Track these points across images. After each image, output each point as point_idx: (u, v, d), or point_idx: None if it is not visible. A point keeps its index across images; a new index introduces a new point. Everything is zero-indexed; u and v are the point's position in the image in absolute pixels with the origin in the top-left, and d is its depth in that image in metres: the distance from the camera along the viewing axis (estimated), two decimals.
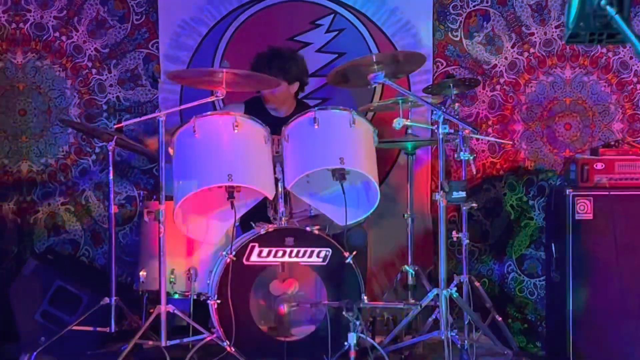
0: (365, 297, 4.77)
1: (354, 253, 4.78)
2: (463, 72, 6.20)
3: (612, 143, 5.85)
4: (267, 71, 5.38)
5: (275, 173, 4.85)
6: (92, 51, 6.07)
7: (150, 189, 5.99)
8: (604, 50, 6.27)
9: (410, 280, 5.48)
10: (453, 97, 5.39)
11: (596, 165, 5.43)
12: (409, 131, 5.39)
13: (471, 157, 4.97)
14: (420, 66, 5.35)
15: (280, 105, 5.63)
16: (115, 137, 5.11)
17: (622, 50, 6.27)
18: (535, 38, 6.24)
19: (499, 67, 6.24)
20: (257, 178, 4.80)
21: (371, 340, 4.78)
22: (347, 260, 4.76)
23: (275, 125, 4.98)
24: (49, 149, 6.08)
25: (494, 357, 5.14)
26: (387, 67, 5.04)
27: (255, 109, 5.56)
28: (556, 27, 6.23)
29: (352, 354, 4.50)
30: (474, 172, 5.98)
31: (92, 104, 6.09)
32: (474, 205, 5.33)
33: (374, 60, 5.00)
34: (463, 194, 4.87)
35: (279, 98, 5.59)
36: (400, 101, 5.24)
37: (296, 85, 5.63)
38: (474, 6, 6.20)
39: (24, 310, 5.40)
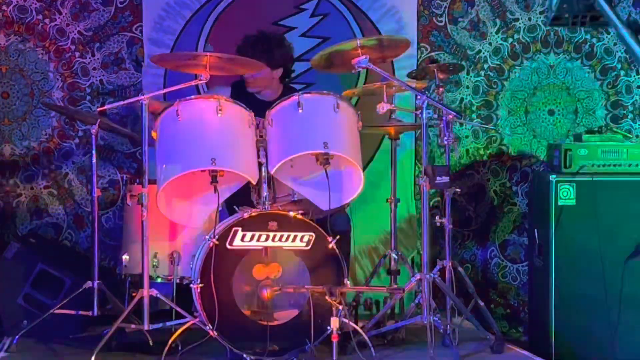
0: (348, 282, 4.77)
1: (337, 238, 4.78)
2: (447, 57, 6.20)
3: (596, 129, 5.87)
4: (250, 53, 5.37)
5: (258, 157, 4.84)
6: (75, 34, 6.05)
7: (133, 172, 5.98)
8: (588, 36, 6.28)
9: (393, 265, 5.49)
10: (437, 83, 5.39)
11: (579, 152, 5.44)
12: (393, 116, 5.39)
13: (455, 143, 4.98)
14: (405, 51, 5.35)
15: (263, 89, 5.62)
16: (99, 120, 5.09)
17: (606, 37, 6.29)
18: (519, 24, 6.25)
19: (484, 53, 6.25)
20: (240, 162, 4.79)
21: (354, 325, 4.79)
22: (330, 245, 4.76)
23: (261, 109, 4.96)
24: (31, 132, 6.05)
25: (476, 342, 5.16)
26: (372, 51, 5.03)
27: (242, 91, 5.55)
28: (540, 13, 6.24)
29: (335, 339, 4.51)
30: (458, 158, 6.01)
31: (75, 87, 6.06)
32: (458, 190, 5.34)
33: (359, 44, 4.99)
34: (446, 179, 4.88)
35: (260, 82, 5.57)
36: (384, 86, 5.23)
37: (279, 71, 5.61)
38: None
39: (6, 294, 5.39)
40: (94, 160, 5.08)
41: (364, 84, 6.01)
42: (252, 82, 5.58)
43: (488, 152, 6.29)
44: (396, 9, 6.18)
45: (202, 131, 4.82)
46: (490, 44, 6.25)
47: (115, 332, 4.79)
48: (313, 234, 4.77)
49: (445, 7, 6.21)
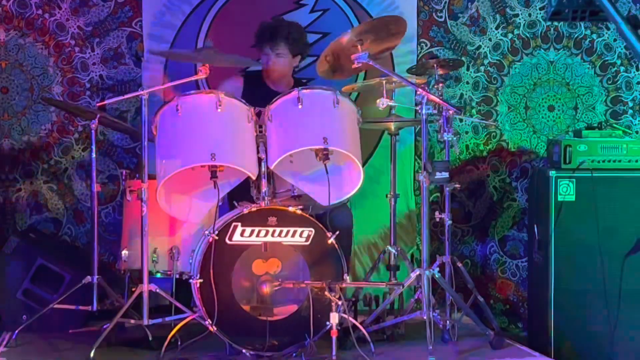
0: (347, 277, 4.77)
1: (337, 233, 4.78)
2: (447, 53, 6.20)
3: (595, 125, 5.87)
4: (270, 39, 5.42)
5: (258, 152, 4.84)
6: (75, 29, 6.04)
7: (133, 167, 5.97)
8: (588, 32, 6.28)
9: (392, 261, 5.49)
10: (437, 78, 5.38)
11: (579, 147, 5.44)
12: (393, 112, 5.38)
13: (454, 138, 4.98)
14: (404, 35, 5.32)
15: (282, 76, 5.60)
16: (98, 115, 5.09)
17: (606, 33, 6.28)
18: (519, 19, 6.24)
19: (483, 49, 6.24)
20: (240, 157, 4.79)
21: (353, 320, 4.79)
22: (330, 240, 4.76)
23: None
24: (31, 127, 6.05)
25: (475, 338, 5.16)
26: (370, 43, 5.03)
27: (256, 83, 5.54)
28: (540, 9, 6.23)
29: (334, 334, 4.51)
30: (457, 153, 6.00)
31: (74, 82, 6.06)
32: (457, 186, 5.33)
33: (354, 36, 4.99)
34: (446, 174, 4.88)
35: (278, 71, 5.56)
36: (384, 82, 5.22)
37: (297, 59, 5.63)
38: None
39: (6, 289, 5.39)
40: (94, 155, 5.09)
41: (364, 79, 6.01)
42: (272, 69, 5.56)
43: (488, 147, 6.29)
44: (396, 4, 6.16)
45: (202, 126, 4.82)
46: (490, 39, 6.24)
47: (115, 327, 4.80)
48: (312, 230, 4.77)
49: (445, 2, 6.20)
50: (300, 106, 4.80)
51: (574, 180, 5.37)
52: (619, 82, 6.31)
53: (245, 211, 4.77)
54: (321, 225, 4.78)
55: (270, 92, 5.50)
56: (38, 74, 6.03)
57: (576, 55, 6.28)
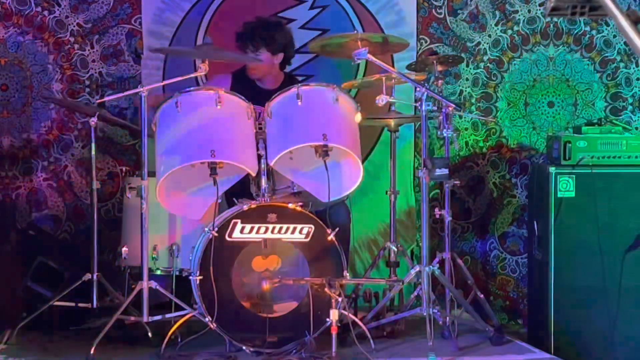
0: (347, 274, 4.77)
1: (337, 230, 4.77)
2: (447, 49, 6.19)
3: (595, 121, 5.87)
4: (251, 40, 5.40)
5: (258, 149, 4.83)
6: (74, 26, 6.03)
7: (132, 165, 5.97)
8: (588, 28, 6.27)
9: (392, 257, 5.49)
10: (437, 75, 5.39)
11: (579, 144, 5.43)
12: (393, 108, 5.38)
13: (454, 135, 4.98)
14: (404, 49, 5.34)
15: (264, 75, 5.59)
16: (98, 112, 5.09)
17: (606, 29, 6.28)
18: (519, 16, 6.24)
19: (483, 45, 6.24)
20: (239, 154, 4.78)
21: (353, 317, 4.80)
22: (330, 237, 4.76)
23: (262, 98, 4.95)
24: (30, 124, 6.04)
25: (475, 334, 5.16)
26: (373, 46, 5.05)
27: (243, 80, 5.54)
28: (540, 5, 6.23)
29: (334, 330, 4.51)
30: (457, 150, 6.00)
31: (74, 80, 6.05)
32: (457, 182, 5.34)
33: (359, 42, 5.01)
34: (446, 171, 4.88)
35: (261, 68, 5.55)
36: (384, 78, 5.22)
37: (280, 56, 5.60)
38: None
39: (6, 286, 5.38)
40: (93, 152, 5.09)
41: (363, 76, 6.01)
42: (253, 67, 5.57)
43: (487, 144, 6.28)
44: (396, 0, 6.16)
45: (202, 123, 4.82)
46: (489, 35, 6.24)
47: (115, 324, 4.79)
48: (312, 226, 4.77)
49: None
50: (299, 103, 4.80)
51: (574, 176, 5.37)
52: (618, 78, 6.30)
53: (245, 208, 4.76)
54: (321, 222, 4.78)
55: (258, 90, 5.50)
56: (37, 71, 6.03)
57: (576, 52, 6.28)
